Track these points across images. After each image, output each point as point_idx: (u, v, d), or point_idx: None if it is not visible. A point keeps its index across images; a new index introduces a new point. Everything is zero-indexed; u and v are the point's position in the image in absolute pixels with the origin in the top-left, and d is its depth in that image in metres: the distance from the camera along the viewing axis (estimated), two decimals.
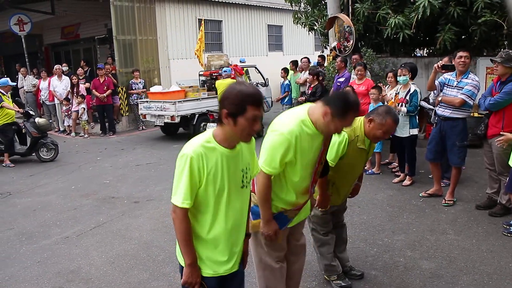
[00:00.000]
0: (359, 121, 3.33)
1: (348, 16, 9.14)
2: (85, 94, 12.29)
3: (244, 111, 2.08)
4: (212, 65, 12.57)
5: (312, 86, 9.30)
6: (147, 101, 11.27)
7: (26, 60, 14.44)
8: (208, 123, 10.24)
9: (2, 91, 8.96)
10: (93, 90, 11.89)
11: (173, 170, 7.34)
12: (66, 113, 12.41)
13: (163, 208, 6.04)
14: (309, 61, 11.37)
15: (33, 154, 9.36)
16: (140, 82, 12.51)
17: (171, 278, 4.14)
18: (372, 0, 9.07)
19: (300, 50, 19.77)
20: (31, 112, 9.44)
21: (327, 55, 12.75)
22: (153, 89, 11.70)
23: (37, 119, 9.36)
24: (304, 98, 9.70)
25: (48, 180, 7.95)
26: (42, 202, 6.67)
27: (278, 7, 18.76)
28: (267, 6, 18.72)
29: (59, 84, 12.44)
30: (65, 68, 13.56)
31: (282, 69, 11.42)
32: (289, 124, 2.64)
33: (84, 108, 12.12)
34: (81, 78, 12.65)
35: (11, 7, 14.12)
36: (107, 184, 7.46)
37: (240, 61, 14.10)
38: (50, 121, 12.42)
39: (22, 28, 14.14)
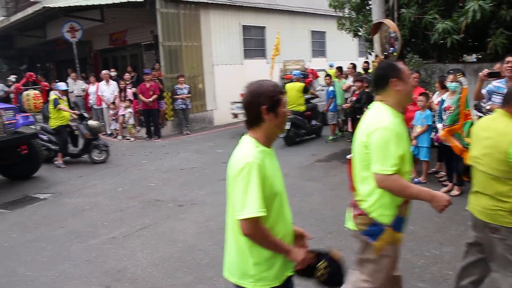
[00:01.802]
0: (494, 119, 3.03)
1: (393, 21, 9.00)
2: (132, 98, 12.62)
3: (279, 100, 2.22)
4: (287, 69, 12.98)
5: (357, 92, 9.22)
6: (240, 102, 11.65)
7: (77, 65, 14.98)
8: None
9: (58, 94, 9.38)
10: (140, 95, 12.19)
11: (217, 174, 7.46)
12: (113, 117, 12.78)
13: (207, 212, 6.11)
14: (354, 68, 11.27)
15: (85, 155, 9.71)
16: (185, 88, 12.72)
17: (215, 281, 4.18)
18: (419, 5, 8.90)
19: (343, 56, 19.59)
20: (85, 115, 9.83)
21: (372, 61, 12.58)
22: None
23: (90, 122, 9.71)
24: (349, 105, 9.63)
25: (96, 181, 8.21)
26: (91, 203, 6.89)
27: (321, 13, 18.68)
28: (310, 12, 18.68)
29: (107, 89, 12.82)
30: (113, 73, 13.95)
31: (326, 75, 11.36)
32: (385, 117, 2.64)
33: (131, 112, 12.44)
34: (128, 83, 12.98)
35: (64, 16, 14.70)
36: (153, 187, 7.62)
37: (330, 66, 14.53)
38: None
39: (74, 35, 14.69)
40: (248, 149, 2.20)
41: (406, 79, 2.69)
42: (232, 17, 15.21)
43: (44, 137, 9.38)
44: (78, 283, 4.34)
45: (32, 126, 9.45)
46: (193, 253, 4.84)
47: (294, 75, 10.90)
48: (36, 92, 8.00)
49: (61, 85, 9.79)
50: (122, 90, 12.63)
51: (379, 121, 2.63)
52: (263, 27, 16.54)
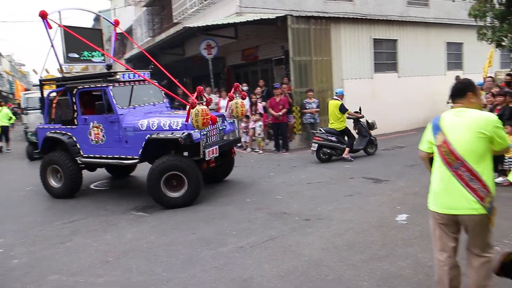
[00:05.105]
0: None
1: None
2: (262, 112, 13.02)
3: None
4: (499, 79, 13.21)
5: (498, 108, 8.44)
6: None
7: (212, 80, 15.93)
8: None
9: (339, 99, 10.86)
10: (269, 109, 12.53)
11: (344, 190, 7.33)
12: (244, 130, 13.30)
13: (334, 228, 6.01)
14: (493, 81, 10.37)
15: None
16: (314, 102, 12.79)
17: None
18: None
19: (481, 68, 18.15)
20: (359, 115, 11.31)
21: None
22: None
23: (368, 120, 11.35)
24: None
25: (227, 191, 8.56)
26: (221, 212, 7.20)
27: (458, 23, 17.62)
28: (446, 22, 17.71)
29: None
30: (245, 88, 14.54)
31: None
32: None
33: (261, 126, 12.83)
34: (258, 97, 13.42)
35: (202, 34, 15.77)
36: (280, 200, 7.72)
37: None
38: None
39: (210, 52, 15.72)
40: None
41: None
42: (363, 31, 14.97)
43: (333, 138, 10.80)
44: None
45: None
46: (318, 269, 4.78)
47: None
48: (243, 101, 8.93)
49: (341, 90, 11.38)
50: (253, 104, 13.08)
51: None
52: (395, 40, 16.02)
